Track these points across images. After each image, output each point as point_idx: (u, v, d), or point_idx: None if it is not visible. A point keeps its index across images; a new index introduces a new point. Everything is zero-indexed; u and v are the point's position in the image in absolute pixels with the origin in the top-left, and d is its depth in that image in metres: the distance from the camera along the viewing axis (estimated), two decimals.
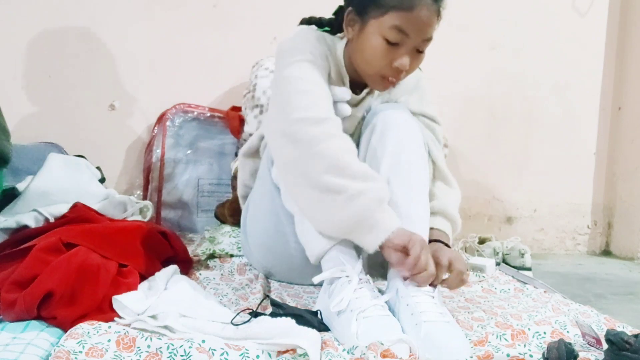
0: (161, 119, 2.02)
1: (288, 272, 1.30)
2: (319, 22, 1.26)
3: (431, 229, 1.15)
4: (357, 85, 1.23)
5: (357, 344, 0.85)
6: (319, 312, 1.01)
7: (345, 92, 1.17)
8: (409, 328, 0.92)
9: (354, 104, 1.22)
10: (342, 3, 1.21)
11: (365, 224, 1.00)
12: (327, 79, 1.16)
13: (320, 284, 1.07)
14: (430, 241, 1.11)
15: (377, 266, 1.16)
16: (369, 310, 0.93)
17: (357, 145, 1.24)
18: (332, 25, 1.26)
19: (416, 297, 0.96)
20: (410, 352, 0.85)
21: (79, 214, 1.29)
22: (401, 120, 1.17)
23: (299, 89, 1.09)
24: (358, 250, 1.06)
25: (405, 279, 0.99)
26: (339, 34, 1.25)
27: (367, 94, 1.25)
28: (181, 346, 0.79)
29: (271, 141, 1.13)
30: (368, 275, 1.03)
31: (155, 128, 2.02)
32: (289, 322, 0.88)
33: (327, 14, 1.27)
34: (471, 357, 0.84)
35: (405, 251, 0.98)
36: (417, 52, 1.13)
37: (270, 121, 1.13)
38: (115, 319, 0.94)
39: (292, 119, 1.05)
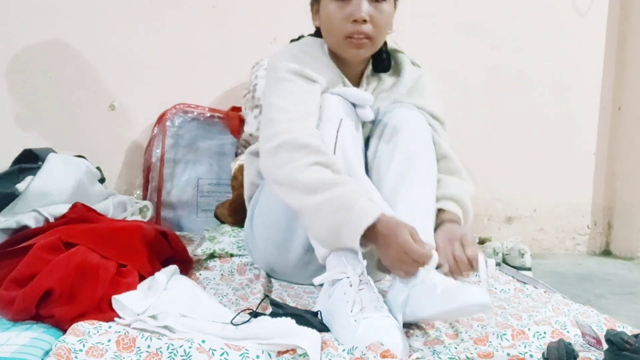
0: (161, 119, 2.02)
1: (290, 269, 1.29)
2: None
3: (441, 210, 1.15)
4: (352, 81, 1.25)
5: (357, 344, 0.85)
6: (319, 312, 1.01)
7: (364, 97, 1.18)
8: (432, 299, 0.94)
9: None
10: None
11: (337, 232, 1.00)
12: (308, 88, 1.17)
13: (321, 285, 1.07)
14: (440, 223, 1.13)
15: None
16: (369, 311, 0.93)
17: (366, 140, 1.26)
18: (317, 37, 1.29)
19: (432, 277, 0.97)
20: (410, 352, 0.86)
21: (79, 214, 1.29)
22: (412, 119, 1.19)
23: (265, 117, 1.16)
24: None
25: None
26: None
27: (365, 89, 1.27)
28: (181, 346, 0.79)
29: None
30: (369, 277, 1.02)
31: (155, 128, 2.02)
32: (289, 322, 0.89)
33: None
34: (471, 354, 0.85)
35: None
36: (375, 2, 1.16)
37: None
38: (115, 319, 0.94)
39: (261, 150, 1.12)
